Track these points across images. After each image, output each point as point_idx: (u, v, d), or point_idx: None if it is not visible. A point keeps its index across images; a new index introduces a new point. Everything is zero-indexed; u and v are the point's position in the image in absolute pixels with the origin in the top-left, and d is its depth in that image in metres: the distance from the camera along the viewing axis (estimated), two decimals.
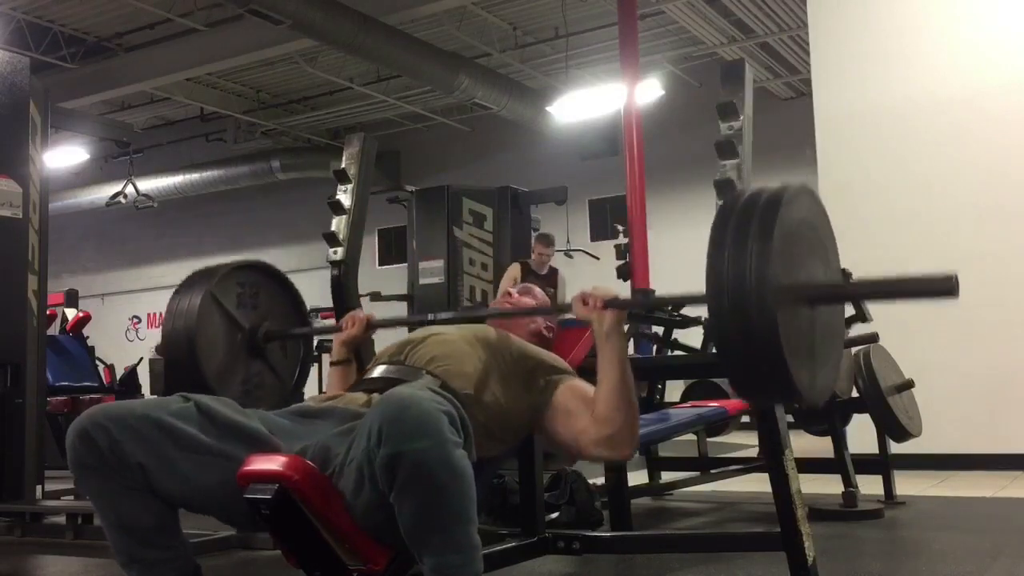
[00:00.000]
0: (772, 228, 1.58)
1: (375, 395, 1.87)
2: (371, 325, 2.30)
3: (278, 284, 2.56)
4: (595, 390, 1.95)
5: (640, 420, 3.86)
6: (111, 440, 1.64)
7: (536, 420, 2.02)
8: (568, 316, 2.05)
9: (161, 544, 1.70)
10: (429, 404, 1.53)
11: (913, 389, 4.19)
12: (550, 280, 6.93)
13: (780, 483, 1.97)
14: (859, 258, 4.77)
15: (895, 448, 4.16)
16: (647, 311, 1.94)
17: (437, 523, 1.53)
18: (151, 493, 1.67)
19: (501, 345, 2.08)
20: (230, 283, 2.43)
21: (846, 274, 4.46)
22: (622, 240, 8.57)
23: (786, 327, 1.57)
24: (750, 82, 2.02)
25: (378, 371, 2.02)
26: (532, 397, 2.01)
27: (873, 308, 4.42)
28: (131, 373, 9.43)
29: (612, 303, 1.94)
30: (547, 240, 7.18)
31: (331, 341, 2.34)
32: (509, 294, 2.40)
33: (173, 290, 2.38)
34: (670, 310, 4.94)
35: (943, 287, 1.62)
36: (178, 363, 2.34)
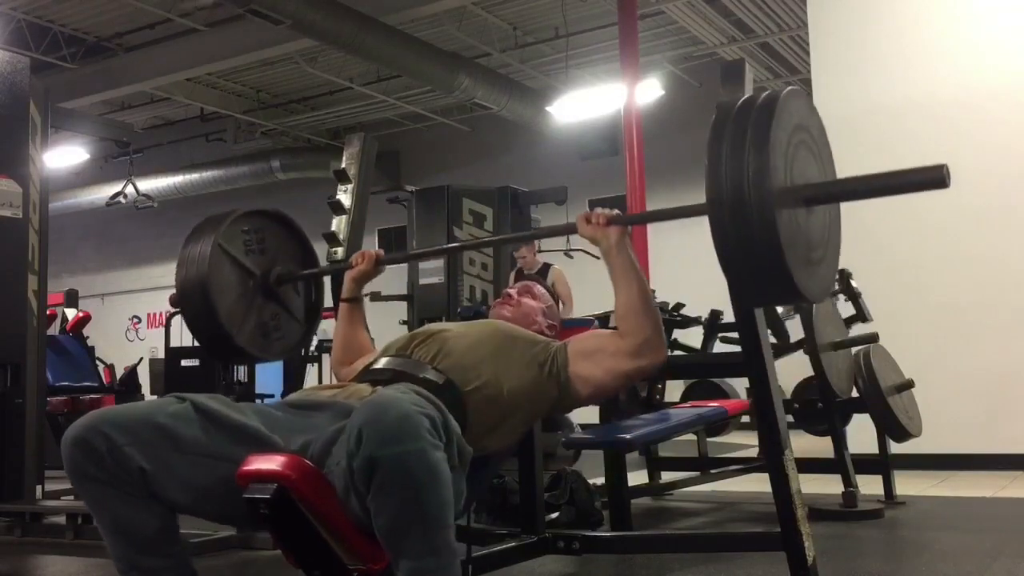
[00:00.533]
0: (768, 132, 1.62)
1: (379, 388, 1.86)
2: (380, 261, 2.34)
3: (283, 227, 2.58)
4: (615, 307, 2.01)
5: (640, 419, 3.87)
6: (111, 445, 1.62)
7: (564, 387, 2.03)
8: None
9: (160, 551, 1.69)
10: (409, 407, 1.52)
11: (913, 389, 4.19)
12: (542, 276, 6.94)
13: (780, 483, 1.97)
14: (860, 258, 4.78)
15: (895, 448, 4.16)
16: (650, 222, 1.99)
17: (414, 526, 1.51)
18: (151, 498, 1.66)
19: (507, 335, 2.10)
20: (236, 231, 2.45)
21: (845, 274, 4.48)
22: None
23: (785, 229, 1.61)
24: (750, 82, 2.02)
25: (382, 362, 2.03)
26: (548, 368, 2.03)
27: (873, 308, 4.42)
28: (131, 373, 9.42)
29: (616, 219, 2.01)
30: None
31: (332, 341, 2.35)
32: (509, 295, 2.39)
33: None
34: (670, 310, 4.94)
35: (935, 176, 1.63)
36: (195, 312, 2.37)
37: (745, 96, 1.76)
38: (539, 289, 2.43)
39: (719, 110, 1.72)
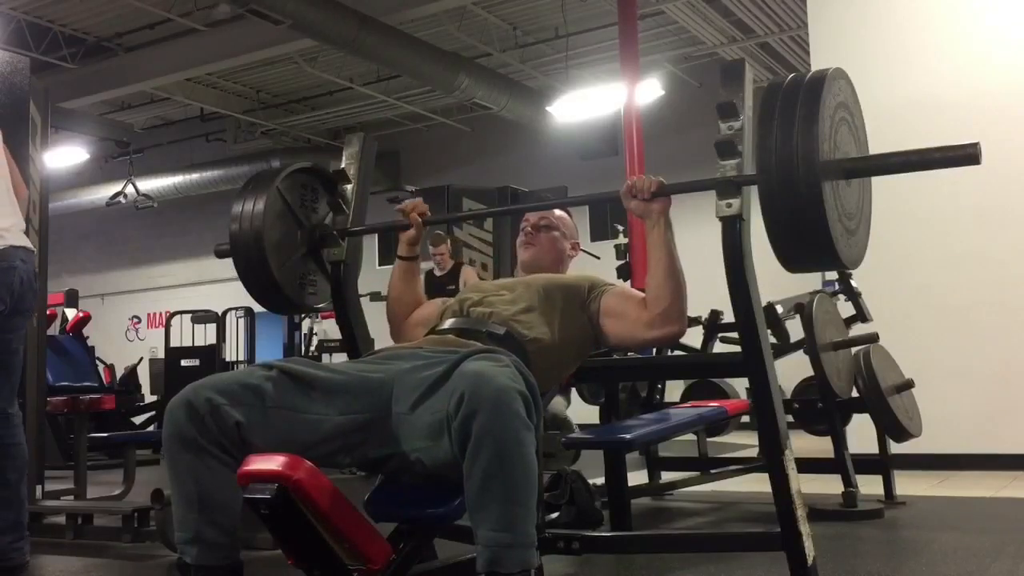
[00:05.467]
0: (816, 110, 1.77)
1: (448, 336, 2.09)
2: (426, 221, 2.45)
3: (330, 187, 2.59)
4: (647, 275, 2.14)
5: (640, 419, 3.86)
6: (211, 406, 1.74)
7: (595, 330, 2.21)
8: None
9: (226, 528, 1.77)
10: (507, 382, 1.64)
11: (913, 389, 4.19)
12: (453, 277, 6.90)
13: (780, 483, 1.96)
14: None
15: (895, 448, 4.16)
16: (699, 191, 2.05)
17: (495, 499, 1.60)
18: (237, 463, 1.74)
19: (550, 284, 2.25)
20: (294, 183, 2.49)
21: (845, 274, 4.46)
22: (622, 240, 8.58)
23: (828, 200, 1.76)
24: (750, 82, 2.01)
25: (448, 323, 2.18)
26: (588, 313, 2.20)
27: (873, 308, 4.43)
28: (131, 373, 9.44)
29: (659, 192, 2.07)
30: (435, 239, 7.09)
31: (333, 342, 2.37)
32: (530, 233, 2.48)
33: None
34: None
35: (968, 153, 1.76)
36: (248, 261, 2.41)
37: (792, 75, 1.91)
38: (555, 214, 2.53)
39: (768, 89, 1.87)
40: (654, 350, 5.07)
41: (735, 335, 4.32)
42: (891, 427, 4.00)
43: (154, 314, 15.29)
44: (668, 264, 2.08)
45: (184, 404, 1.75)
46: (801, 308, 3.89)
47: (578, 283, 2.27)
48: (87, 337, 8.23)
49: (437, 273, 6.98)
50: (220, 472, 1.75)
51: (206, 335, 9.19)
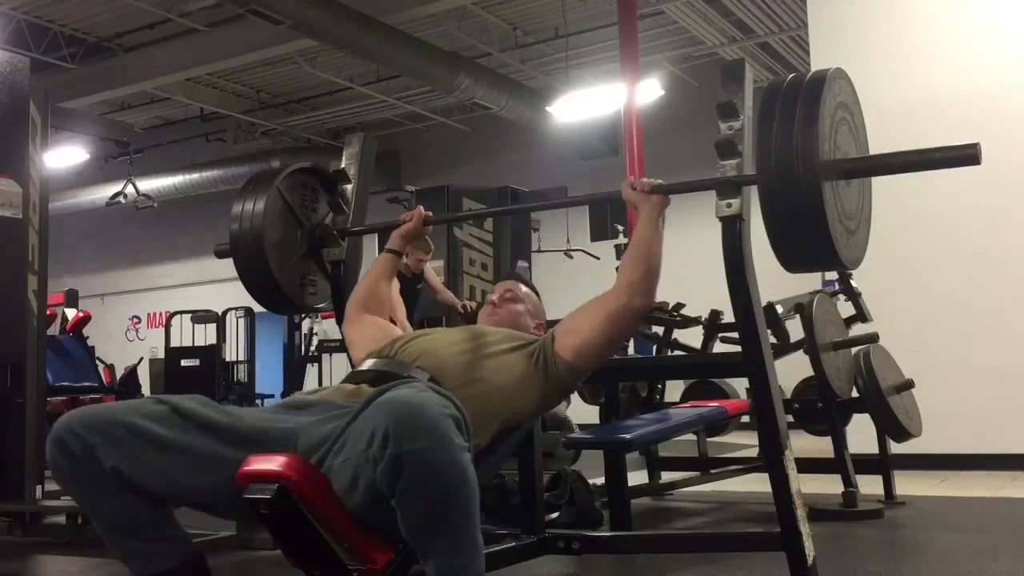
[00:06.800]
0: (816, 109, 1.78)
1: (363, 386, 1.90)
2: (427, 221, 2.47)
3: (331, 187, 2.59)
4: (627, 248, 2.13)
5: (640, 419, 3.86)
6: (84, 445, 1.64)
7: (552, 368, 2.05)
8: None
9: (154, 535, 1.71)
10: (437, 408, 1.53)
11: (913, 389, 4.19)
12: (419, 277, 6.83)
13: (780, 483, 1.96)
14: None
15: (895, 448, 4.16)
16: (699, 191, 2.04)
17: (445, 527, 1.53)
18: (132, 491, 1.67)
19: (489, 333, 2.14)
20: (294, 183, 2.49)
21: (845, 274, 4.45)
22: (622, 240, 8.58)
23: (828, 199, 1.77)
24: (750, 82, 2.02)
25: (367, 364, 2.04)
26: (536, 357, 2.07)
27: (873, 308, 4.42)
28: (131, 373, 9.43)
29: (658, 189, 2.08)
30: (426, 246, 7.03)
31: (333, 342, 2.37)
32: (493, 302, 2.37)
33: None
34: (670, 310, 4.95)
35: (968, 153, 1.77)
36: (249, 261, 2.40)
37: (792, 75, 1.92)
38: (522, 290, 2.41)
39: (768, 89, 1.86)
40: (653, 350, 5.09)
41: (735, 335, 4.32)
42: (891, 427, 4.00)
43: (154, 314, 15.28)
44: (648, 245, 2.05)
45: (56, 443, 1.65)
46: (801, 308, 3.89)
47: (523, 336, 2.18)
48: (87, 337, 8.22)
49: (403, 272, 6.90)
50: (119, 496, 1.67)
51: (206, 335, 9.19)
